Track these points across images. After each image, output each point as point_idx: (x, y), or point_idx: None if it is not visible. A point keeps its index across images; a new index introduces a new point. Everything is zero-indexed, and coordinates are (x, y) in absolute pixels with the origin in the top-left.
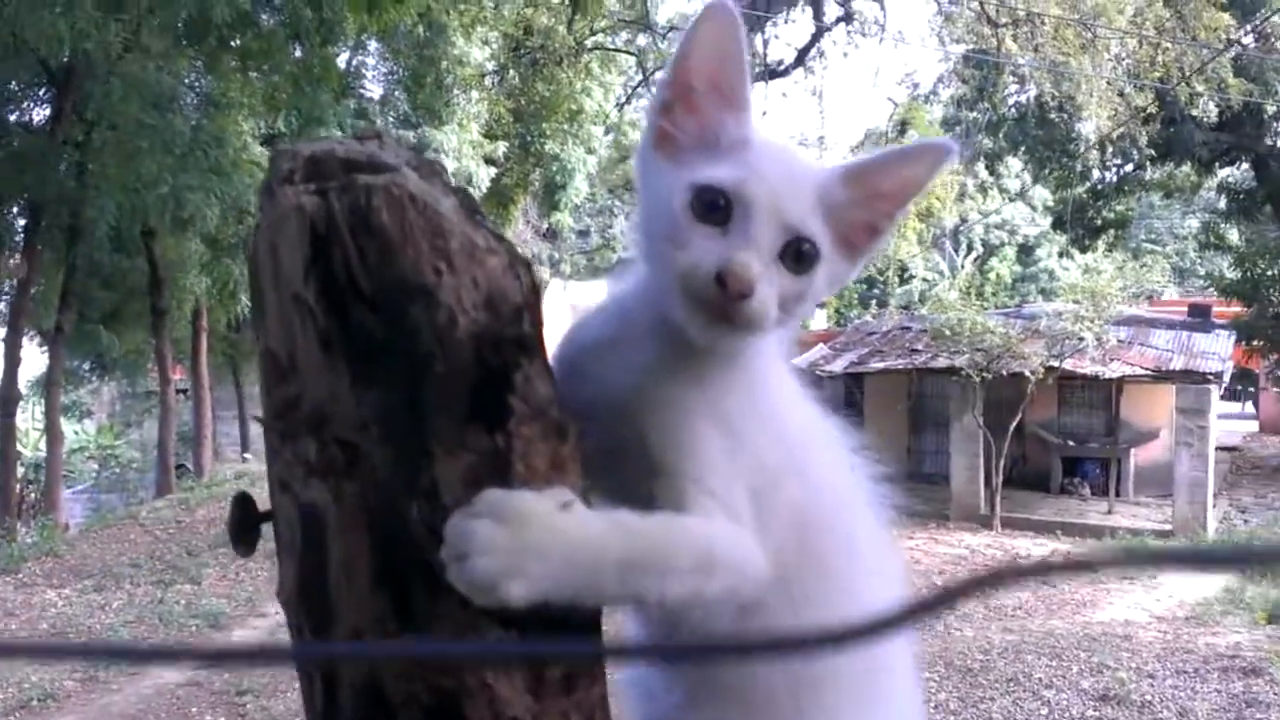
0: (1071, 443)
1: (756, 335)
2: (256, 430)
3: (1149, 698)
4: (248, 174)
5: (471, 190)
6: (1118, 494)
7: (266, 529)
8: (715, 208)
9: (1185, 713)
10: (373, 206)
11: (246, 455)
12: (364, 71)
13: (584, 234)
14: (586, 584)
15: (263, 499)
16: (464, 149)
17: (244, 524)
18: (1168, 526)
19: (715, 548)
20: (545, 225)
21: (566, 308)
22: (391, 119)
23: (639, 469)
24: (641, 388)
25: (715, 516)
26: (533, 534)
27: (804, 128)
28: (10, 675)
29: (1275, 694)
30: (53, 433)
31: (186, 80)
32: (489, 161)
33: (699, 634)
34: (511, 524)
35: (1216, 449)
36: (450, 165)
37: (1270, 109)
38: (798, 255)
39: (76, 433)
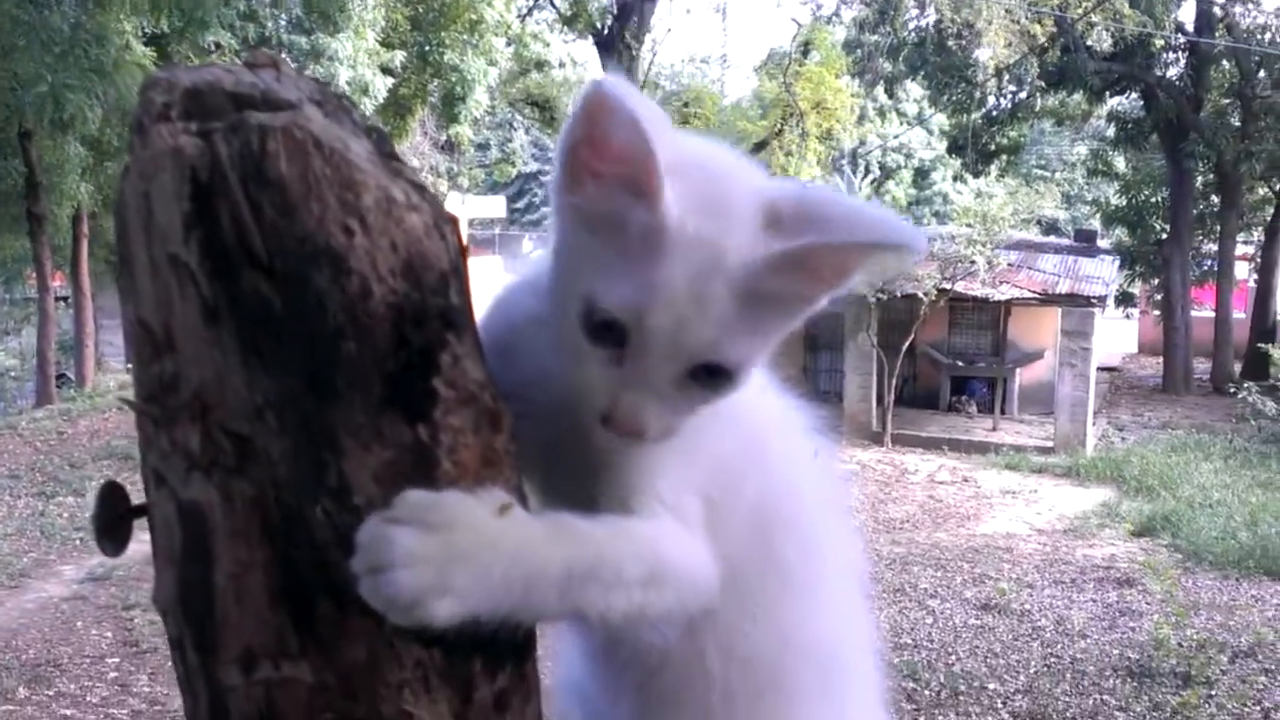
0: (960, 363)
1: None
2: None
3: (1028, 606)
4: (130, 75)
5: (367, 100)
6: (1003, 412)
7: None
8: (608, 330)
9: (1062, 620)
10: (268, 152)
11: (130, 365)
12: None
13: (483, 147)
14: (524, 599)
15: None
16: (360, 57)
17: (112, 519)
18: (1049, 443)
19: (665, 557)
20: (444, 138)
21: (464, 223)
22: (284, 23)
23: (579, 464)
24: None
25: (664, 521)
26: (463, 543)
27: (707, 46)
28: None
29: (1147, 603)
30: None
31: None
32: (386, 71)
33: (643, 647)
34: (438, 531)
35: (1097, 369)
36: (346, 74)
37: (1159, 42)
38: (710, 372)
39: None
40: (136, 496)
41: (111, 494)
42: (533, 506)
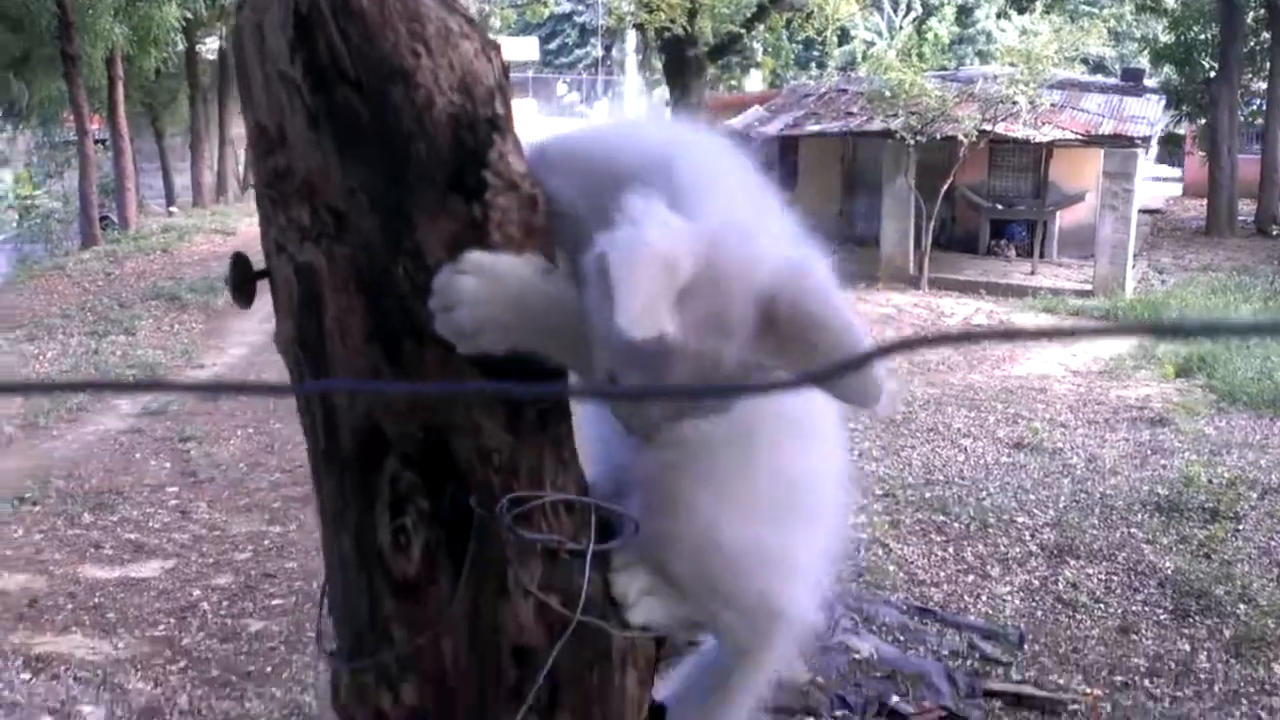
0: (1000, 205)
1: None
2: (182, 184)
3: (1060, 445)
4: None
5: None
6: (1042, 255)
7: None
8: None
9: (1094, 459)
10: None
11: (172, 209)
12: None
13: None
14: (555, 340)
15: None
16: None
17: (241, 280)
18: (1088, 286)
19: None
20: None
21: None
22: None
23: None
24: None
25: None
26: (512, 290)
27: None
28: None
29: (1179, 441)
30: None
31: None
32: None
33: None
34: (494, 280)
35: (1140, 212)
36: None
37: None
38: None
39: None
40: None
41: (240, 262)
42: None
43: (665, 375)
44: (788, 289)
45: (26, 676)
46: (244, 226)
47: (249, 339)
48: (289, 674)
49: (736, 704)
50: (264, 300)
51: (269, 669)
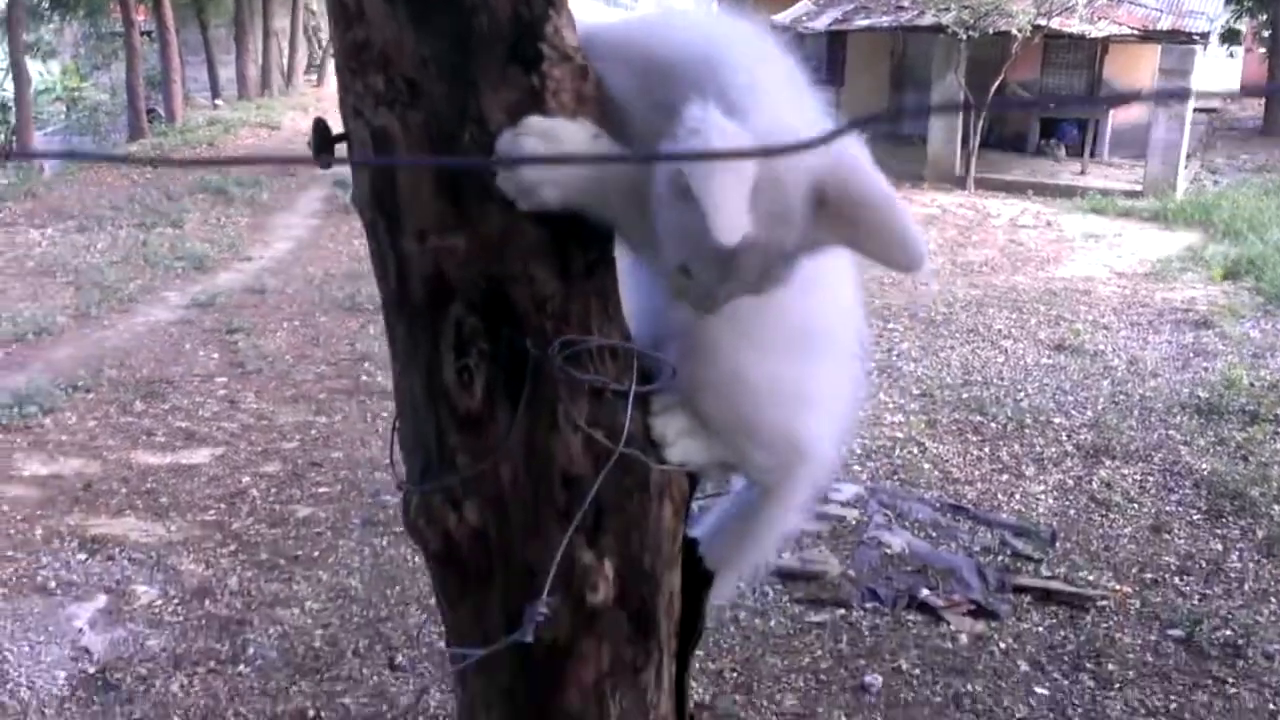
0: (1051, 104)
1: None
2: (226, 76)
3: (1102, 347)
4: None
5: None
6: (1093, 155)
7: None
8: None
9: (1135, 360)
10: None
11: (218, 102)
12: None
13: None
14: (606, 197)
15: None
16: None
17: (322, 143)
18: (1138, 187)
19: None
20: None
21: None
22: None
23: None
24: None
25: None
26: (568, 150)
27: None
28: (4, 310)
29: (1222, 344)
30: (18, 71)
31: None
32: None
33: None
34: (551, 142)
35: (1195, 110)
36: None
37: None
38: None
39: (41, 74)
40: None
41: (320, 126)
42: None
43: (738, 265)
44: (834, 176)
45: (82, 557)
46: (288, 120)
47: (294, 233)
48: (335, 559)
49: (762, 540)
50: (307, 197)
51: (316, 554)
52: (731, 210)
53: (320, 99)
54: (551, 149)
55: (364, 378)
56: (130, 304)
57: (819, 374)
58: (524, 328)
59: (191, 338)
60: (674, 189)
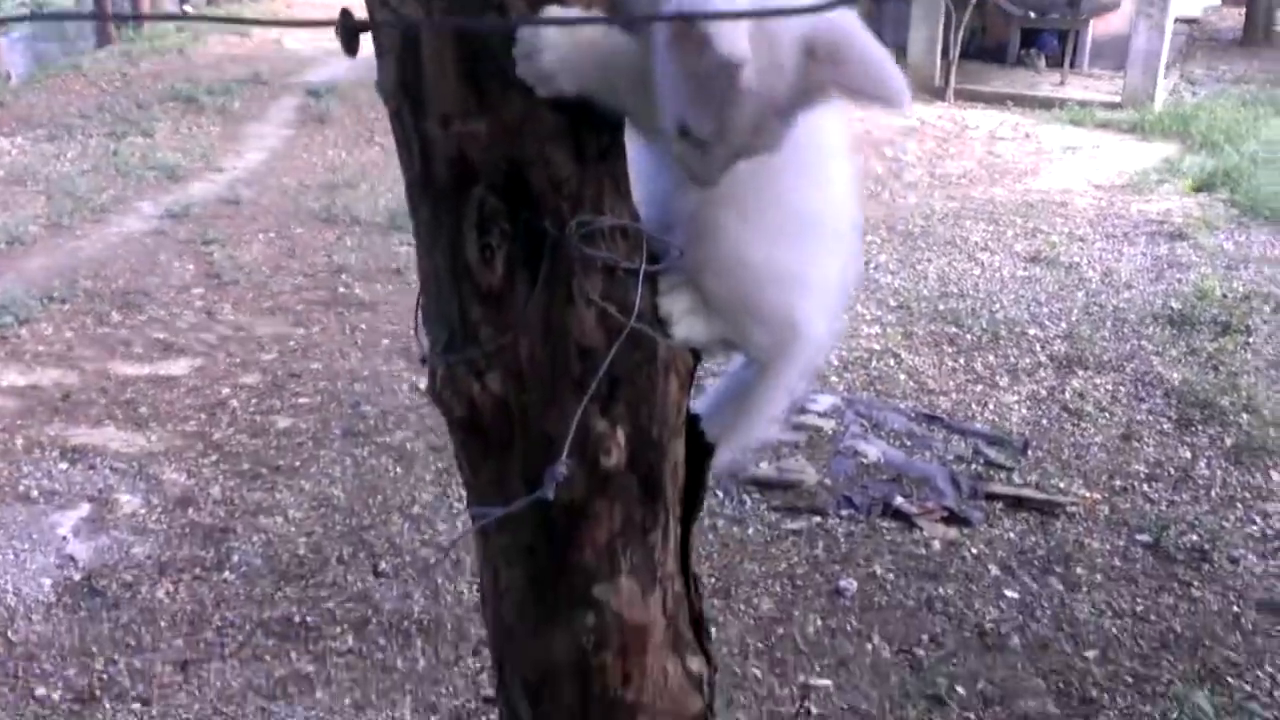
0: (1033, 14)
1: None
2: None
3: (1077, 259)
4: None
5: None
6: (1073, 66)
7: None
8: (689, 133)
9: (1110, 272)
10: None
11: (186, 6)
12: None
13: None
14: (615, 87)
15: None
16: None
17: (348, 32)
18: (1117, 98)
19: None
20: None
21: None
22: None
23: None
24: None
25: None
26: (584, 38)
27: None
28: None
29: (1196, 256)
30: None
31: None
32: None
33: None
34: (568, 31)
35: (1176, 20)
36: None
37: None
38: None
39: None
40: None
41: (345, 15)
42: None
43: (733, 116)
44: (823, 30)
45: (64, 467)
46: (257, 28)
47: (267, 143)
48: (316, 468)
49: (759, 414)
50: (278, 106)
51: (297, 463)
52: (730, 30)
53: (291, 4)
54: (568, 38)
55: (341, 289)
56: (103, 214)
57: (815, 258)
58: (542, 208)
59: (166, 248)
60: (673, 31)
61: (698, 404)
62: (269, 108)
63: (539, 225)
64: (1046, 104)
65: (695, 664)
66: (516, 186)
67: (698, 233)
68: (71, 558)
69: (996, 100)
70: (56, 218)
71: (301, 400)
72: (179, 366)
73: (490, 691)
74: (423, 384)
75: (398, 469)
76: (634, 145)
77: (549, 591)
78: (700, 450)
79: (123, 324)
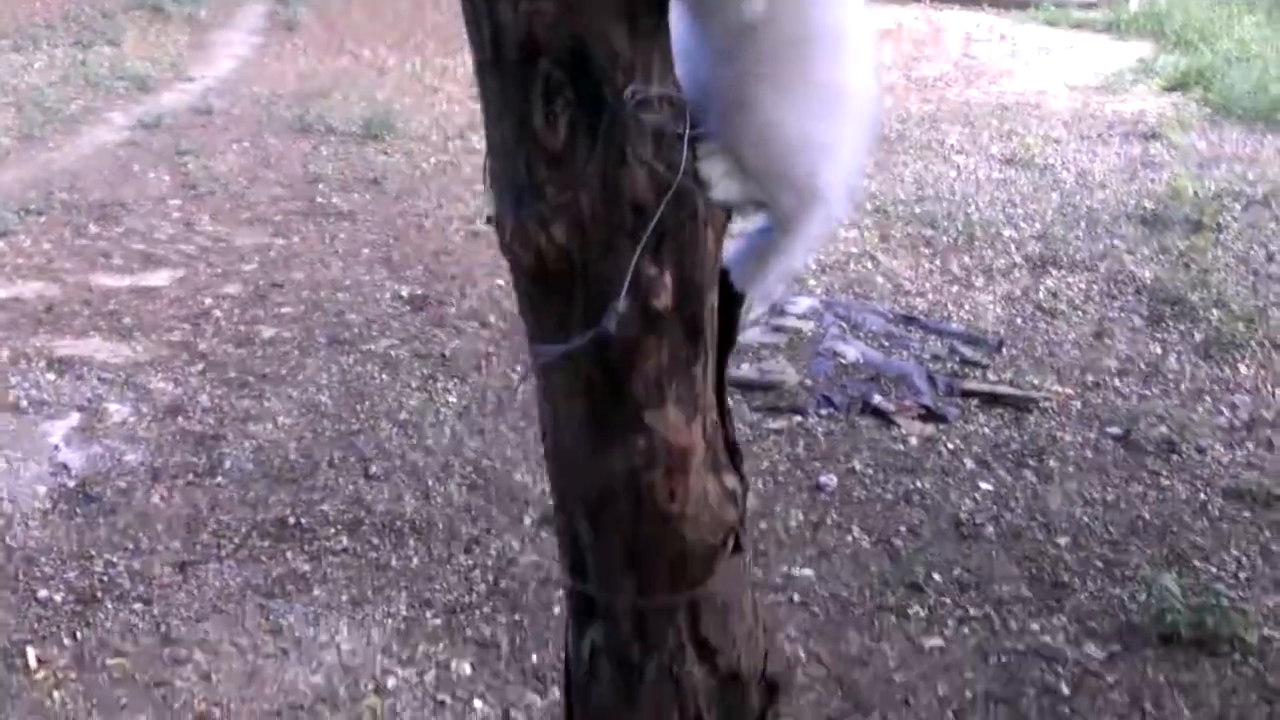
0: None
1: None
2: None
3: (1052, 160)
4: None
5: None
6: None
7: None
8: None
9: (1084, 173)
10: None
11: None
12: None
13: None
14: None
15: None
16: None
17: None
18: None
19: None
20: None
21: None
22: None
23: None
24: None
25: None
26: None
27: None
28: None
29: (1169, 155)
30: None
31: None
32: None
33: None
34: None
35: None
36: None
37: None
38: None
39: None
40: None
41: None
42: None
43: None
44: None
45: (51, 377)
46: None
47: (236, 52)
48: (303, 376)
49: (779, 265)
50: (245, 13)
51: (284, 371)
52: None
53: None
54: None
55: (319, 199)
56: (74, 125)
57: (839, 128)
58: (600, 80)
59: (140, 159)
60: None
61: (726, 257)
62: (236, 14)
63: (599, 94)
64: (1022, 4)
65: (730, 481)
66: (578, 60)
67: (735, 105)
68: (64, 465)
69: (972, 1)
70: (28, 129)
71: (285, 310)
72: (160, 277)
73: (484, 587)
74: (404, 293)
75: (384, 376)
76: (677, 27)
77: (605, 420)
78: (731, 298)
79: (101, 236)
